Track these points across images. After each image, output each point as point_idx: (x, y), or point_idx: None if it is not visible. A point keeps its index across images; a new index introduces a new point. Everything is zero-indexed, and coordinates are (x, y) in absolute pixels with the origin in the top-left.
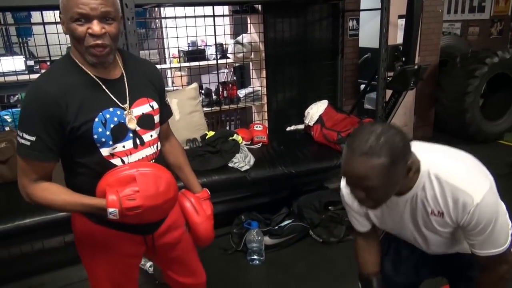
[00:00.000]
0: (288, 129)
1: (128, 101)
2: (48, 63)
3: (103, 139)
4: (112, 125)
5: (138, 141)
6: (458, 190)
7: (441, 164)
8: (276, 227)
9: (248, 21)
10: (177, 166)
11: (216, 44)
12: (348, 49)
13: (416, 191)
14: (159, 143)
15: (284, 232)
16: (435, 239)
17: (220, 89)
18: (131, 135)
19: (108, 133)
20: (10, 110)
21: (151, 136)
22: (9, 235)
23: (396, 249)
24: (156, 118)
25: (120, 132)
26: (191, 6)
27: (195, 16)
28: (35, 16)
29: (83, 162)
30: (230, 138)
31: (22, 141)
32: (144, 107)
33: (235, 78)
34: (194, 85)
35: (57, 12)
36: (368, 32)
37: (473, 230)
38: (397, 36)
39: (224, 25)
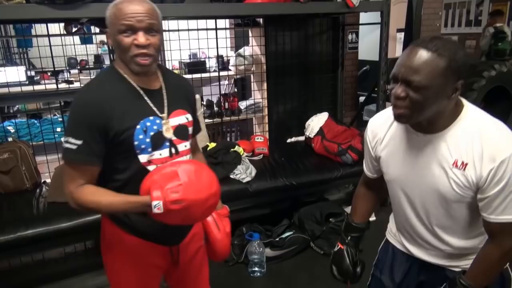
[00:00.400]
0: (288, 140)
1: (166, 111)
2: (49, 74)
3: (143, 146)
4: (152, 133)
5: (173, 150)
6: (493, 141)
7: (484, 118)
8: (277, 239)
9: (250, 34)
10: None
11: (217, 56)
12: (347, 61)
13: (448, 132)
14: (191, 154)
15: (285, 243)
16: (437, 208)
17: (222, 101)
18: (167, 144)
19: (148, 140)
20: (13, 121)
21: (185, 146)
22: (11, 246)
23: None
24: (190, 130)
25: (158, 140)
26: (195, 19)
27: (197, 29)
28: (37, 27)
29: (121, 168)
30: (232, 149)
31: (68, 145)
32: (181, 118)
33: (236, 90)
34: (197, 96)
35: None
36: (367, 45)
37: (493, 187)
38: (396, 49)
39: (226, 38)
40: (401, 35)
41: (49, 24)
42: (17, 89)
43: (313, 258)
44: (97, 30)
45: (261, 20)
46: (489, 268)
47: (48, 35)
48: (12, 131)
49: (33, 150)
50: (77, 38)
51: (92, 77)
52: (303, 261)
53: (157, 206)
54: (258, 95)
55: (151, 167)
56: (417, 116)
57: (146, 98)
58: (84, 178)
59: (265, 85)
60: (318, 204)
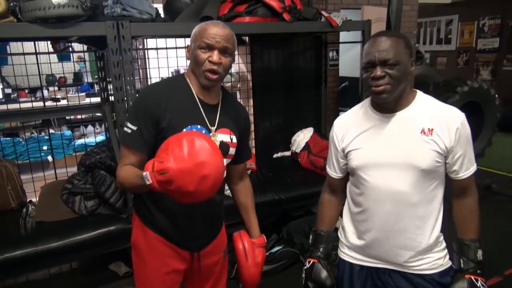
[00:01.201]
0: (275, 156)
1: (216, 125)
2: (27, 91)
3: None
4: None
5: None
6: (450, 109)
7: (433, 98)
8: (267, 254)
9: (236, 52)
10: (244, 206)
11: None
12: (329, 78)
13: (410, 108)
14: (225, 172)
15: (275, 258)
16: (415, 187)
17: None
18: None
19: None
20: None
21: (224, 164)
22: None
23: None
24: (232, 150)
25: None
26: (182, 38)
27: (186, 47)
28: (13, 44)
29: None
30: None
31: (125, 129)
32: (226, 136)
33: None
34: None
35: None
36: (346, 62)
37: (462, 145)
38: None
39: None
40: None
41: (25, 42)
42: None
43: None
44: (79, 48)
45: (247, 38)
46: (476, 217)
47: (24, 53)
48: None
49: (18, 169)
50: (54, 56)
51: (71, 94)
52: (294, 275)
53: (146, 177)
54: None
55: None
56: (396, 90)
57: (201, 108)
58: (130, 160)
59: (251, 102)
60: (307, 217)
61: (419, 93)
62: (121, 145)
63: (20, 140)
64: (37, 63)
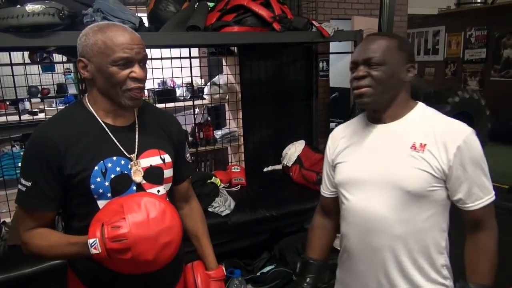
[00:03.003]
0: (265, 170)
1: (136, 151)
2: (8, 103)
3: (101, 190)
4: (112, 175)
5: None
6: (452, 123)
7: (436, 111)
8: (259, 274)
9: (224, 63)
10: (194, 234)
11: (192, 85)
12: (320, 89)
13: (405, 120)
14: (167, 200)
15: (267, 279)
16: (389, 200)
17: (197, 130)
18: (134, 188)
19: (107, 184)
20: None
21: (158, 191)
22: None
23: None
24: (167, 173)
25: (121, 184)
26: (169, 48)
27: (171, 58)
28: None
29: (80, 214)
30: (208, 181)
31: (20, 187)
32: (153, 159)
33: (209, 118)
34: None
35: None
36: (336, 73)
37: (465, 169)
38: None
39: (200, 66)
40: None
41: (11, 52)
42: None
43: None
44: (63, 58)
45: (235, 49)
46: (490, 258)
47: (11, 64)
48: None
49: None
50: (36, 67)
51: (56, 106)
52: None
53: (94, 245)
54: (233, 124)
55: None
56: (379, 95)
57: (111, 135)
58: (34, 222)
59: (240, 114)
60: (299, 234)
61: (420, 105)
62: (17, 205)
63: None
64: (12, 75)
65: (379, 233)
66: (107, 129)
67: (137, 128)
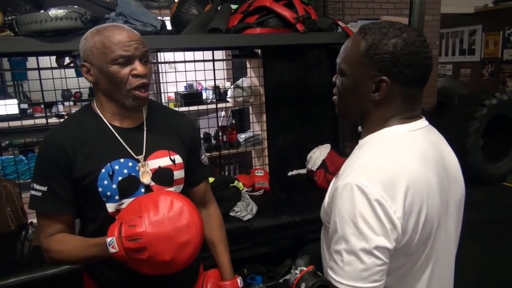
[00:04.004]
0: (289, 174)
1: (144, 152)
2: (42, 106)
3: (109, 193)
4: (120, 178)
5: None
6: (356, 162)
7: (388, 142)
8: (281, 281)
9: (248, 65)
10: (210, 241)
11: (216, 88)
12: None
13: (361, 143)
14: (187, 198)
15: (290, 286)
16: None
17: (220, 133)
18: (142, 190)
19: (114, 186)
20: None
21: None
22: None
23: None
24: (177, 174)
25: (129, 186)
26: (191, 51)
27: (194, 61)
28: (32, 60)
29: (90, 218)
30: (231, 184)
31: (34, 192)
32: (163, 160)
33: (233, 121)
34: None
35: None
36: None
37: (330, 214)
38: None
39: (223, 69)
40: None
41: (42, 57)
42: (9, 123)
43: None
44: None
45: (259, 51)
46: None
47: (38, 68)
48: None
49: (19, 189)
50: (72, 71)
51: None
52: None
53: (111, 243)
54: (257, 127)
55: None
56: (342, 106)
57: (118, 137)
58: (53, 227)
59: (264, 117)
60: None
61: (381, 132)
62: (36, 213)
63: (23, 158)
64: (40, 78)
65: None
66: (113, 131)
67: (145, 129)
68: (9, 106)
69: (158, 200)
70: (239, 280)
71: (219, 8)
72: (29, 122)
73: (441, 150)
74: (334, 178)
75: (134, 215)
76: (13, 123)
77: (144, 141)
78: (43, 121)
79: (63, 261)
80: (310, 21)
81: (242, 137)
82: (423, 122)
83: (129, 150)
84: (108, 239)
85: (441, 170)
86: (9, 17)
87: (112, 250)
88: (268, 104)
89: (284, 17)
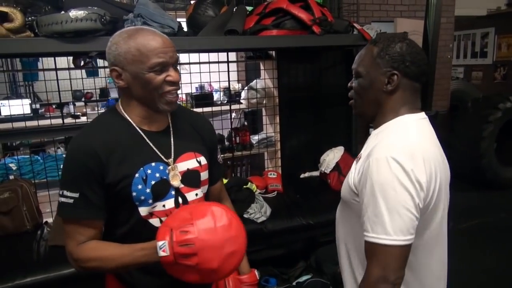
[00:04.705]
0: (302, 176)
1: (172, 155)
2: (54, 107)
3: (142, 197)
4: (153, 182)
5: (180, 200)
6: (384, 141)
7: (407, 126)
8: (295, 283)
9: (261, 67)
10: None
11: (229, 90)
12: None
13: (377, 131)
14: (232, 211)
15: None
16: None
17: (233, 135)
18: (173, 193)
19: (148, 190)
20: (15, 157)
21: (196, 195)
22: None
23: None
24: (203, 175)
25: (161, 190)
26: (206, 53)
27: (209, 62)
28: (44, 60)
29: (120, 221)
30: (244, 186)
31: (64, 199)
32: (190, 162)
33: (246, 123)
34: None
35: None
36: None
37: (364, 189)
38: None
39: (237, 71)
40: None
41: (56, 58)
42: (22, 122)
43: None
44: (104, 63)
45: (273, 53)
46: None
47: (56, 69)
48: (14, 168)
49: (35, 188)
50: (83, 71)
51: (98, 110)
52: None
53: (163, 247)
54: (270, 129)
55: (153, 220)
56: (360, 107)
57: (148, 141)
58: (85, 234)
59: (277, 119)
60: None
61: (398, 119)
62: (63, 221)
63: (38, 158)
64: (57, 79)
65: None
66: (143, 135)
67: (171, 132)
68: (20, 107)
69: (209, 210)
70: (257, 273)
71: (234, 10)
72: (43, 122)
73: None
74: (355, 161)
75: (184, 222)
76: (20, 124)
77: (172, 144)
78: (58, 121)
79: (97, 269)
80: (327, 23)
81: (255, 138)
82: (424, 114)
83: (159, 153)
84: (160, 243)
85: (441, 152)
86: (29, 18)
87: (162, 254)
88: (281, 105)
89: (300, 19)
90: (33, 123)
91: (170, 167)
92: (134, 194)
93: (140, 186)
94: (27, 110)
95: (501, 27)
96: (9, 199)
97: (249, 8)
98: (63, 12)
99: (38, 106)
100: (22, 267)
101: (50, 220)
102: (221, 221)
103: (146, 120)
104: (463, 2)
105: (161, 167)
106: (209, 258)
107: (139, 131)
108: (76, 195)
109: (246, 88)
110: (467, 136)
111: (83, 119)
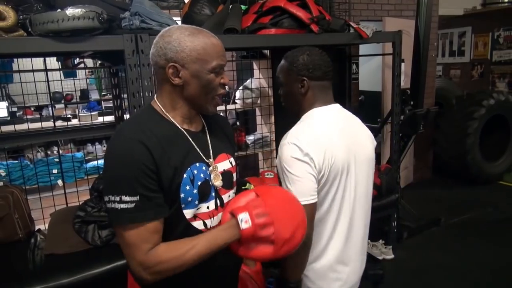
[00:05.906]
0: None
1: (212, 155)
2: (32, 109)
3: (189, 198)
4: (199, 182)
5: (218, 202)
6: (289, 134)
7: (312, 118)
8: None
9: (255, 66)
10: None
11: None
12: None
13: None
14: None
15: None
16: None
17: None
18: (213, 194)
19: (195, 191)
20: (4, 163)
21: (229, 196)
22: None
23: None
24: (235, 176)
25: (206, 191)
26: None
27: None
28: (19, 62)
29: (167, 228)
30: (243, 187)
31: (122, 205)
32: (225, 163)
33: (237, 123)
34: None
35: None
36: (362, 76)
37: (277, 167)
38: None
39: (233, 70)
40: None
41: (32, 59)
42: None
43: None
44: (94, 64)
45: (268, 52)
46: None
47: (33, 70)
48: (3, 174)
49: (26, 195)
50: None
51: (80, 111)
52: None
53: (244, 218)
54: (265, 129)
55: (196, 223)
56: (287, 105)
57: (191, 141)
58: (151, 240)
59: (272, 118)
60: None
61: (308, 113)
62: (122, 231)
63: (28, 163)
64: (44, 80)
65: None
66: (187, 135)
67: (208, 133)
68: None
69: (272, 188)
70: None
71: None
72: (20, 127)
73: (351, 122)
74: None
75: (253, 202)
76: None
77: (210, 145)
78: (37, 125)
79: (177, 268)
80: (325, 21)
81: (250, 139)
82: (336, 106)
83: (201, 154)
84: (240, 215)
85: (349, 135)
86: (21, 17)
87: (245, 226)
88: (276, 105)
89: (298, 17)
90: (10, 127)
91: (211, 167)
92: (182, 195)
93: (188, 187)
94: (4, 113)
95: (477, 26)
96: (0, 207)
97: (242, 7)
98: (59, 10)
99: (15, 109)
100: (17, 278)
101: (42, 227)
102: (286, 197)
103: (187, 120)
104: (441, 2)
105: (204, 168)
106: (282, 228)
107: (183, 131)
108: (136, 198)
109: (240, 88)
110: (452, 133)
111: (75, 121)
